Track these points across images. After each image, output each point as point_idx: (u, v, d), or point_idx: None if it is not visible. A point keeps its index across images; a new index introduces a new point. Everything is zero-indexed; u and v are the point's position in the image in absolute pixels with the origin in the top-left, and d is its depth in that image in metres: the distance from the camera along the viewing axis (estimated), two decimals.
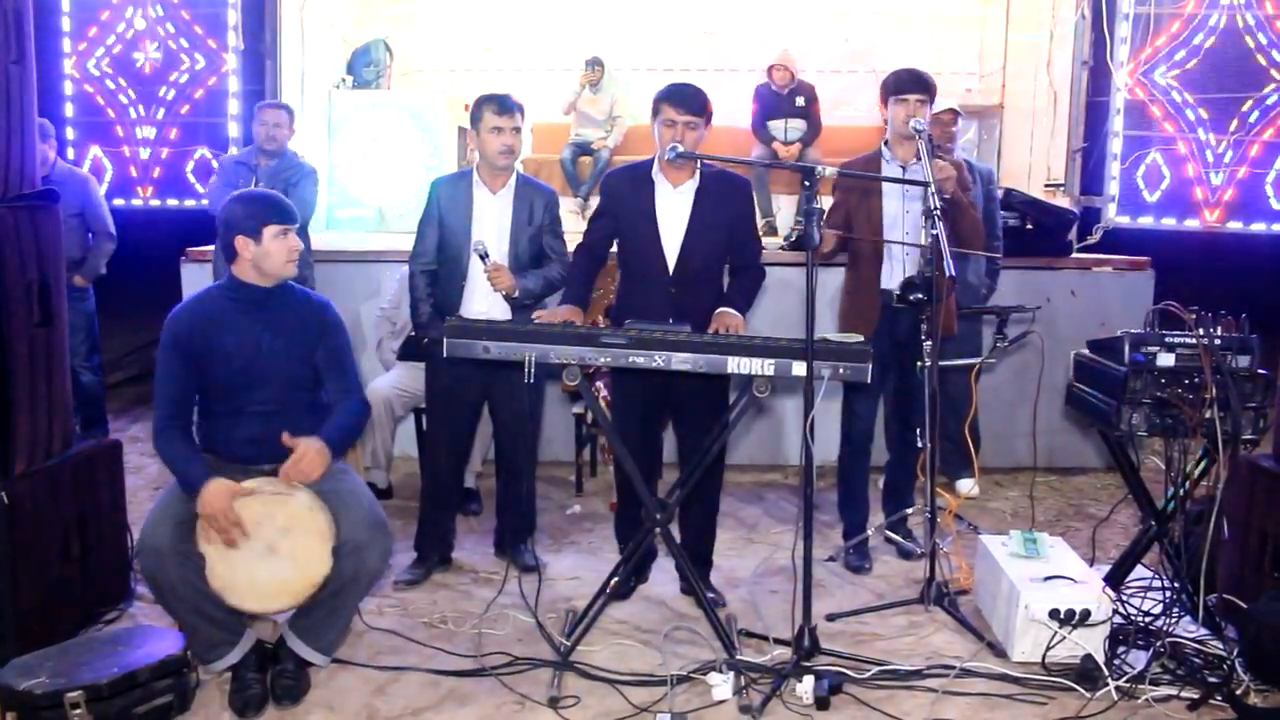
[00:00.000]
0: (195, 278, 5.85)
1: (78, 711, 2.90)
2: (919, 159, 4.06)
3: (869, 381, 3.44)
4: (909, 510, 4.44)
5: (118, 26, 6.99)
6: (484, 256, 4.02)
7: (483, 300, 4.16)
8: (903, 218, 4.21)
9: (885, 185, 4.20)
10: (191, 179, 7.09)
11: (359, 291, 5.97)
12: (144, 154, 7.06)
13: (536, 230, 4.21)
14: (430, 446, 4.39)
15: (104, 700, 2.94)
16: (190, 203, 7.08)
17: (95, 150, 7.08)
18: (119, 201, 7.04)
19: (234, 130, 6.98)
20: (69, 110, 7.06)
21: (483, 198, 4.18)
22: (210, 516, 3.12)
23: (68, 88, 7.04)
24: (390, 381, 5.16)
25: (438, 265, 4.25)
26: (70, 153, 6.79)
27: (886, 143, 4.31)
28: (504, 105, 4.10)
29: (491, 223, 4.16)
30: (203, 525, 3.14)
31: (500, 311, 4.12)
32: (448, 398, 4.27)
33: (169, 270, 6.03)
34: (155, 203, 7.12)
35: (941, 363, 3.96)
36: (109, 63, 7.02)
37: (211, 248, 5.90)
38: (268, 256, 3.30)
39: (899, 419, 4.48)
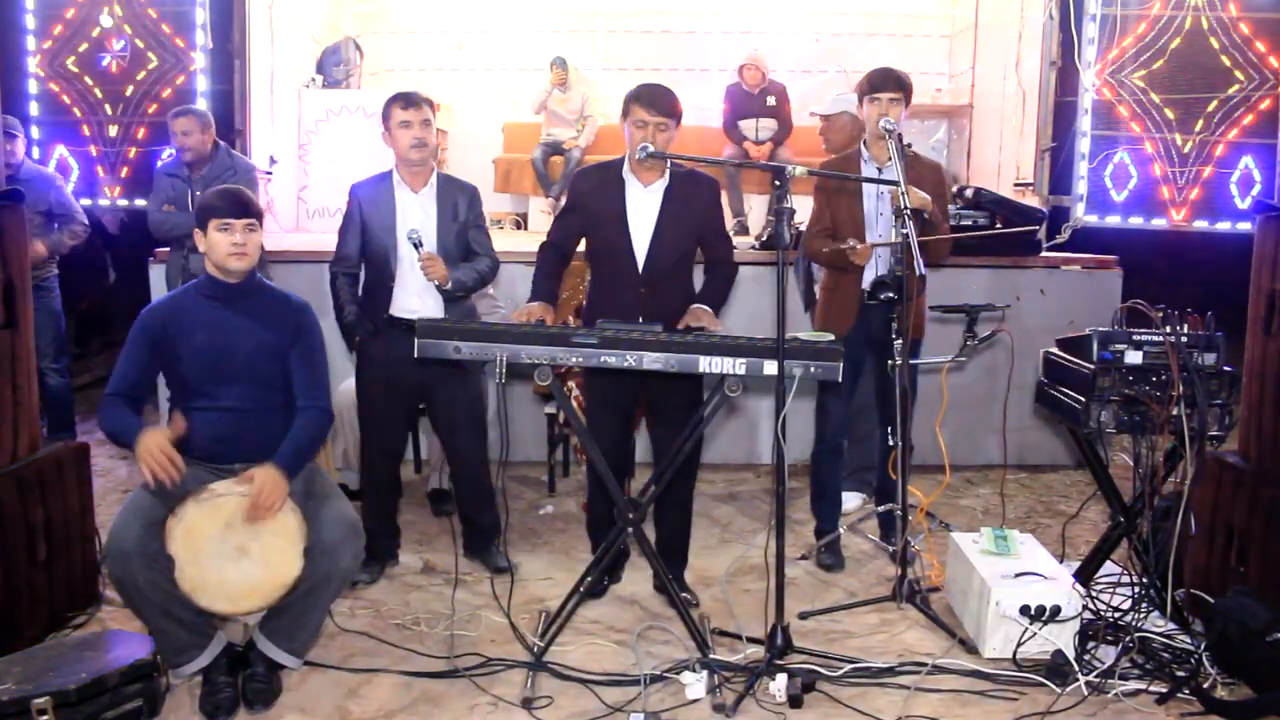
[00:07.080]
0: (164, 279, 5.78)
1: (45, 718, 2.86)
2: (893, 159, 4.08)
3: (839, 380, 3.46)
4: (892, 507, 4.45)
5: (84, 25, 6.90)
6: (418, 245, 4.02)
7: (413, 298, 4.16)
8: (878, 218, 4.23)
9: (863, 185, 4.23)
10: None
11: (327, 292, 5.91)
12: (111, 153, 6.97)
13: (462, 226, 4.23)
14: (363, 447, 4.39)
15: (72, 706, 2.91)
16: None
17: (61, 149, 6.99)
18: (85, 201, 6.95)
19: None
20: (34, 109, 6.95)
21: (405, 197, 4.19)
22: (145, 454, 3.10)
23: (32, 86, 6.93)
24: None
25: (364, 268, 4.25)
26: (35, 152, 6.69)
27: (865, 143, 4.33)
28: (409, 99, 4.17)
29: (416, 222, 4.15)
30: (142, 469, 3.12)
31: (434, 307, 4.13)
32: (378, 398, 4.27)
33: (138, 271, 5.97)
34: (123, 203, 7.03)
35: (916, 361, 3.98)
36: (75, 61, 6.92)
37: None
38: (212, 248, 3.35)
39: (881, 417, 4.49)
